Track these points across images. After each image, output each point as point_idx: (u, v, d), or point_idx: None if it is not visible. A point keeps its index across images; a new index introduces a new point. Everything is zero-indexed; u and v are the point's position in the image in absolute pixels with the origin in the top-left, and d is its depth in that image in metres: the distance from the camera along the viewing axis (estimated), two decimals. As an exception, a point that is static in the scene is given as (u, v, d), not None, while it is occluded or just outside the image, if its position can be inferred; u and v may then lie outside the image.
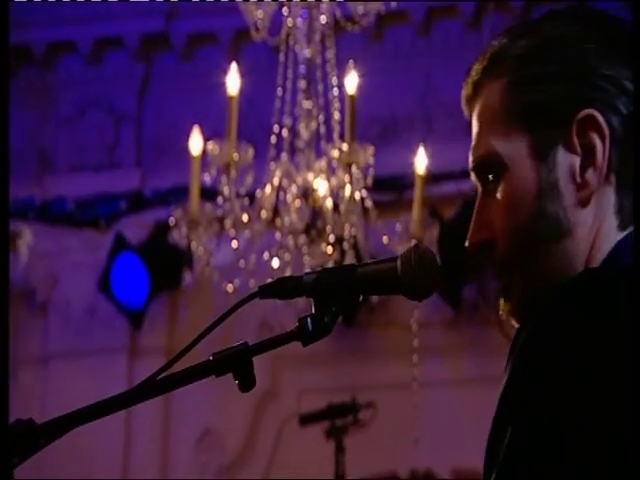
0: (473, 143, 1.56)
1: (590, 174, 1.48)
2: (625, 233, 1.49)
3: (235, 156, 5.07)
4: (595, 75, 1.49)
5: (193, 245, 5.23)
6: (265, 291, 1.63)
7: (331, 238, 5.13)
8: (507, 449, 1.35)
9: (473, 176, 1.56)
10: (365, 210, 5.21)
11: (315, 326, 1.60)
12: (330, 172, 5.16)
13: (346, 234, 5.13)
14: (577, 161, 1.48)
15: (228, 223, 5.17)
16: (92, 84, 7.28)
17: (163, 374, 1.59)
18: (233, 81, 5.11)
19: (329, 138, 5.23)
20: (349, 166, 5.09)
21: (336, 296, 1.61)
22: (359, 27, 5.33)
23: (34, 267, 7.17)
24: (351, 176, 5.09)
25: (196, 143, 5.20)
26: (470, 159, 1.56)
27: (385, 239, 5.12)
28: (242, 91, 5.12)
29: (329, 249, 5.12)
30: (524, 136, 1.51)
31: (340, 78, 5.19)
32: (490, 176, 1.53)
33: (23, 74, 7.35)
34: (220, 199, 5.15)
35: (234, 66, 5.15)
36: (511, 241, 1.51)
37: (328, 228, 5.13)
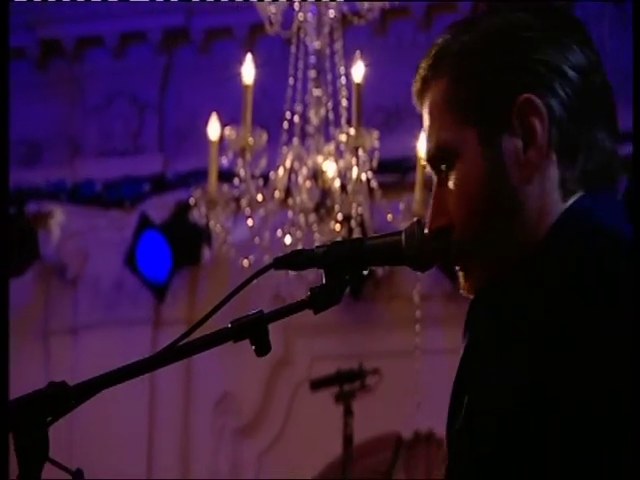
0: (426, 137, 1.55)
1: (532, 153, 1.47)
2: (567, 204, 1.49)
3: (250, 141, 5.07)
4: (531, 62, 1.48)
5: (211, 223, 5.23)
6: (280, 263, 1.63)
7: (339, 216, 5.13)
8: (463, 421, 1.35)
9: (428, 167, 1.56)
10: (371, 190, 5.21)
11: (326, 295, 1.59)
12: (338, 155, 5.16)
13: (353, 213, 5.13)
14: (519, 143, 1.47)
15: (244, 203, 5.17)
16: (118, 76, 7.27)
17: (184, 340, 1.59)
18: (248, 71, 5.11)
19: (337, 124, 5.23)
20: (356, 150, 5.09)
21: (345, 267, 1.60)
22: (365, 21, 5.33)
23: (65, 245, 7.19)
24: (358, 159, 5.09)
25: (214, 129, 5.20)
26: (424, 152, 1.56)
27: (389, 217, 5.12)
28: (256, 81, 5.12)
29: (337, 227, 5.13)
30: (470, 126, 1.50)
31: (347, 68, 5.19)
32: (443, 166, 1.52)
33: (54, 67, 7.35)
34: (236, 180, 5.15)
35: (249, 57, 5.14)
36: (466, 224, 1.50)
37: (336, 207, 5.13)
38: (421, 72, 1.55)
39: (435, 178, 1.55)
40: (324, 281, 1.60)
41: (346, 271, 1.60)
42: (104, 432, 6.67)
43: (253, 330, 1.56)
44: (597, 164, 1.49)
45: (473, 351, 1.39)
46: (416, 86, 1.57)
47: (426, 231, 1.56)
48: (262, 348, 1.58)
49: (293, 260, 1.63)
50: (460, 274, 1.55)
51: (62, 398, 1.49)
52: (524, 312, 1.38)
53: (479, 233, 1.50)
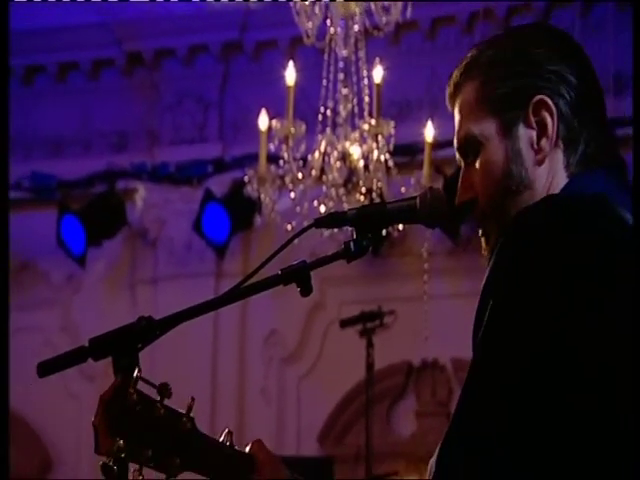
0: (456, 129, 1.56)
1: (544, 142, 1.49)
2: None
3: (292, 130, 5.04)
4: (544, 71, 1.50)
5: (262, 196, 5.22)
6: (320, 222, 1.61)
7: (363, 190, 5.10)
8: (485, 327, 1.37)
9: (457, 154, 1.56)
10: (388, 169, 5.17)
11: (356, 248, 1.58)
12: (362, 141, 5.12)
13: (374, 187, 5.10)
14: (534, 134, 1.49)
15: (287, 180, 5.15)
16: (186, 80, 7.25)
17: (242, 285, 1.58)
18: (290, 75, 5.07)
19: (361, 116, 5.19)
20: (376, 136, 5.06)
21: (372, 225, 1.59)
22: (383, 34, 5.26)
23: (147, 214, 7.19)
24: (377, 144, 5.06)
25: (263, 121, 5.16)
26: (454, 142, 1.56)
27: (403, 190, 5.08)
28: (297, 82, 5.09)
29: (362, 198, 5.09)
30: (494, 120, 1.51)
31: (369, 71, 5.14)
32: (470, 153, 1.53)
33: (136, 74, 7.33)
34: (281, 162, 5.13)
35: (291, 64, 5.11)
36: (488, 197, 1.51)
37: (361, 182, 5.10)
38: (454, 79, 1.56)
39: (462, 162, 1.55)
40: (354, 237, 1.58)
41: (372, 228, 1.59)
42: (178, 361, 6.70)
43: (299, 275, 1.55)
44: (594, 150, 1.51)
45: (491, 277, 1.40)
46: (449, 90, 1.57)
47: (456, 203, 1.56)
48: (306, 290, 1.56)
49: (330, 220, 1.61)
50: (482, 239, 1.55)
51: (149, 329, 1.48)
52: (509, 254, 1.39)
53: (498, 204, 1.51)
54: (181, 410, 1.45)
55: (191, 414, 1.46)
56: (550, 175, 1.49)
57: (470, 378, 1.37)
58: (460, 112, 1.55)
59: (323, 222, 1.62)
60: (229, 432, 1.49)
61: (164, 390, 1.43)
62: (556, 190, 1.49)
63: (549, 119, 1.48)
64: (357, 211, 1.59)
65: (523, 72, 1.50)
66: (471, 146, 1.52)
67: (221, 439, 1.49)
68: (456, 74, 1.56)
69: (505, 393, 1.32)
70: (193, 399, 1.46)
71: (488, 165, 1.51)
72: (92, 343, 1.45)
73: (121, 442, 1.37)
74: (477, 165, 1.52)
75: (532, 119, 1.49)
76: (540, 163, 1.49)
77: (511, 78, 1.51)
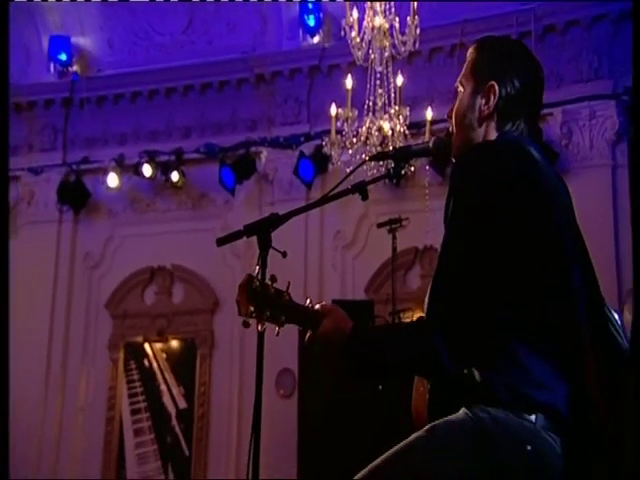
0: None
1: (485, 109, 1.47)
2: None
3: (350, 114, 4.94)
4: (504, 71, 1.46)
5: (332, 153, 5.14)
6: (372, 157, 1.59)
7: (391, 148, 4.98)
8: (451, 213, 1.37)
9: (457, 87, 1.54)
10: (405, 136, 5.04)
11: (394, 172, 1.55)
12: (390, 119, 4.99)
13: (397, 147, 4.98)
14: (483, 101, 1.47)
15: (347, 143, 5.06)
16: (289, 89, 7.08)
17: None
18: (349, 82, 4.95)
19: (390, 105, 5.05)
20: (398, 117, 4.93)
21: (403, 157, 1.54)
22: (401, 57, 5.09)
23: (267, 165, 7.13)
24: (399, 121, 4.93)
25: (333, 110, 5.06)
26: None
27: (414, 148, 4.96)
28: (352, 87, 4.96)
29: (389, 153, 4.99)
30: (472, 82, 1.49)
31: (394, 79, 4.99)
32: (459, 90, 1.52)
33: (262, 87, 7.18)
34: (344, 133, 5.03)
35: (349, 76, 4.98)
36: (455, 121, 1.51)
37: (389, 144, 4.99)
38: (471, 49, 1.53)
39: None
40: (393, 165, 1.53)
41: (403, 159, 1.55)
42: (287, 243, 6.69)
43: (361, 188, 1.53)
44: (521, 128, 1.47)
45: (450, 187, 1.40)
46: (467, 53, 1.54)
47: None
48: (364, 196, 1.54)
49: (378, 155, 1.59)
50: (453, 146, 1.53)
51: (276, 220, 1.49)
52: (457, 173, 1.39)
53: (457, 132, 1.50)
54: (283, 288, 1.45)
55: (289, 290, 1.46)
56: (485, 130, 1.47)
57: (445, 240, 1.38)
58: (466, 65, 1.53)
59: (374, 157, 1.59)
60: (310, 300, 1.49)
61: (273, 279, 1.44)
62: (489, 139, 1.46)
63: (492, 97, 1.47)
64: (394, 150, 1.55)
65: (491, 65, 1.47)
66: (460, 86, 1.51)
67: (306, 304, 1.48)
68: (472, 46, 1.54)
69: (467, 244, 1.34)
70: (289, 282, 1.46)
71: (460, 103, 1.51)
72: (245, 227, 1.45)
73: (252, 308, 1.40)
74: (458, 99, 1.51)
75: (485, 92, 1.47)
76: (481, 121, 1.48)
77: (486, 65, 1.48)
